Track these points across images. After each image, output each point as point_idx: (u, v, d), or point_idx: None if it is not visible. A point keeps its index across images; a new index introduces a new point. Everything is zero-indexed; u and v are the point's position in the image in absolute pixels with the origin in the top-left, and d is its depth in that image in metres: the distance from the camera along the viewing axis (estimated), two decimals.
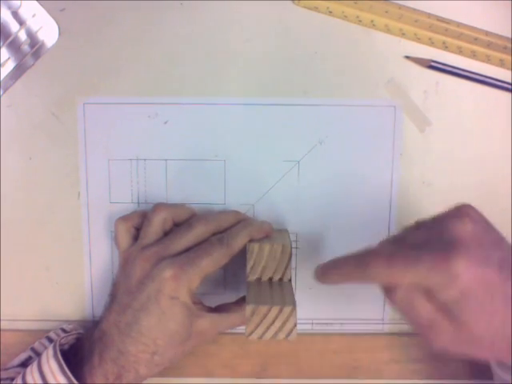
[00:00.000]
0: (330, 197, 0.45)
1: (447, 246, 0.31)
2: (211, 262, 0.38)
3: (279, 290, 0.38)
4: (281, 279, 0.40)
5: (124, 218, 0.42)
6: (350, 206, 0.45)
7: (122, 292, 0.39)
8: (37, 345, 0.43)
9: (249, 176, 0.44)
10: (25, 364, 0.42)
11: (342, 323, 0.46)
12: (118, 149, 0.44)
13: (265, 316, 0.35)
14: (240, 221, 0.42)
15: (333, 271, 0.36)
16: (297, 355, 0.46)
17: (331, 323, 0.46)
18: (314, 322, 0.46)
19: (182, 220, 0.42)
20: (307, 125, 0.44)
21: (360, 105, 0.43)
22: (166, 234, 0.41)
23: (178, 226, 0.41)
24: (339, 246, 0.45)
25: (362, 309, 0.46)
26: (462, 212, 0.33)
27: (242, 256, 0.40)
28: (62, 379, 0.36)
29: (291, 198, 0.45)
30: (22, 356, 0.43)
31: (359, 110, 0.43)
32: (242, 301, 0.41)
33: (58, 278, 0.45)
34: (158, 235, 0.41)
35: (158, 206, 0.41)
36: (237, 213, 0.43)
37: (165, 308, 0.37)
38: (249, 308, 0.35)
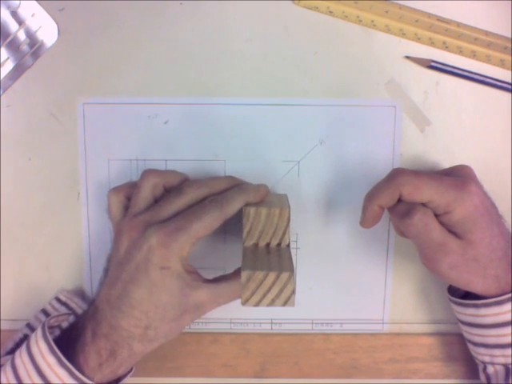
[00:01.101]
0: (330, 197, 0.45)
1: (463, 177, 0.38)
2: (202, 226, 0.36)
3: (277, 256, 0.36)
4: (279, 244, 0.38)
5: (116, 189, 0.41)
6: (350, 206, 0.45)
7: (112, 264, 0.38)
8: (33, 321, 0.43)
9: (249, 176, 0.44)
10: (19, 345, 0.41)
11: (341, 323, 0.47)
12: (118, 149, 0.44)
13: (261, 282, 0.34)
14: (234, 186, 0.40)
15: (369, 202, 0.39)
16: (297, 355, 0.46)
17: (331, 323, 0.47)
18: (314, 321, 0.46)
19: (174, 186, 0.40)
20: (307, 125, 0.44)
21: (360, 105, 0.43)
22: (157, 201, 0.39)
23: (168, 193, 0.40)
24: (339, 246, 0.45)
25: (362, 309, 0.46)
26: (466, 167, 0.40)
27: (240, 223, 0.38)
28: (51, 359, 0.35)
29: (291, 198, 0.45)
30: (17, 336, 0.42)
31: (359, 110, 0.43)
32: (239, 270, 0.39)
33: (58, 278, 0.45)
34: (148, 202, 0.39)
35: (147, 172, 0.40)
36: (231, 178, 0.42)
37: (155, 279, 0.36)
38: (244, 274, 0.33)
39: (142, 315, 0.36)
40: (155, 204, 0.39)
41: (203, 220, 0.36)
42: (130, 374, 0.41)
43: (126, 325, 0.36)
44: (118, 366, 0.38)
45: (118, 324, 0.36)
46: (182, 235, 0.36)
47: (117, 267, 0.37)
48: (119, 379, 0.40)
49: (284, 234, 0.38)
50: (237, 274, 0.39)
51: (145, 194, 0.39)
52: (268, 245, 0.38)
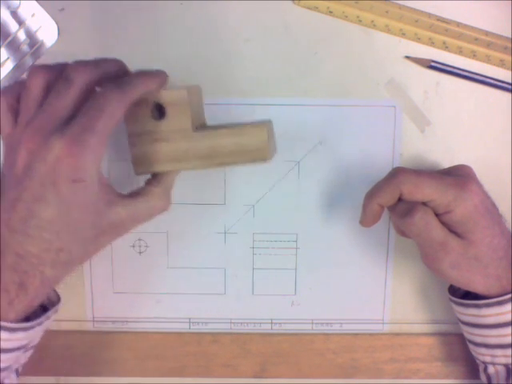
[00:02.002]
0: (330, 197, 0.45)
1: (463, 176, 0.38)
2: (108, 119, 0.32)
3: (226, 126, 0.37)
4: (202, 125, 0.39)
5: (4, 91, 0.34)
6: (350, 206, 0.45)
7: (7, 184, 0.33)
8: None
9: (249, 176, 0.44)
10: None
11: (341, 323, 0.47)
12: (118, 149, 0.44)
13: (270, 133, 0.37)
14: (124, 68, 0.36)
15: (369, 200, 0.39)
16: (297, 355, 0.46)
17: (331, 323, 0.47)
18: (314, 321, 0.47)
19: None
20: (307, 125, 0.44)
21: (360, 105, 0.43)
22: None
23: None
24: (339, 246, 0.45)
25: (362, 309, 0.46)
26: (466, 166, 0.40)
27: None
28: None
29: (291, 198, 0.45)
30: None
31: (359, 110, 0.43)
32: (154, 180, 0.37)
33: None
34: (40, 104, 0.33)
35: (35, 68, 0.33)
36: (120, 61, 0.36)
37: (65, 194, 0.31)
38: (264, 129, 0.35)
39: (53, 236, 0.32)
40: (45, 102, 0.32)
41: (107, 111, 0.31)
42: (59, 305, 0.38)
43: (36, 250, 0.32)
44: (31, 298, 0.33)
45: (26, 250, 0.32)
46: (91, 137, 0.31)
47: (15, 186, 0.32)
48: (46, 309, 0.37)
49: (203, 111, 0.40)
50: (151, 184, 0.36)
51: (35, 96, 0.33)
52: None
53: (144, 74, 0.35)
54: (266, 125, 0.36)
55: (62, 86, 0.32)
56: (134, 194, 0.36)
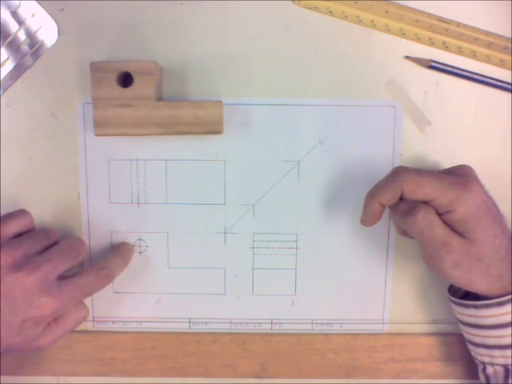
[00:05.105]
0: (329, 197, 0.45)
1: (464, 175, 0.39)
2: (91, 294, 0.40)
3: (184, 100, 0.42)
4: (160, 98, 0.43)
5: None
6: (349, 206, 0.45)
7: None
8: None
9: (249, 176, 0.44)
10: None
11: (341, 323, 0.47)
12: (118, 149, 0.44)
13: None
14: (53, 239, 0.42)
15: (370, 199, 0.39)
16: (297, 355, 0.47)
17: (331, 323, 0.47)
18: (314, 321, 0.47)
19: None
20: (307, 125, 0.44)
21: (360, 105, 0.43)
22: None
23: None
24: (339, 246, 0.45)
25: (362, 309, 0.46)
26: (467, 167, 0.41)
27: None
28: None
29: (291, 198, 0.45)
30: None
31: (359, 110, 0.43)
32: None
33: None
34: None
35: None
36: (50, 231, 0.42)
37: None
38: (221, 105, 0.40)
39: None
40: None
41: (93, 290, 0.40)
42: None
43: None
44: None
45: None
46: (71, 303, 0.39)
47: None
48: None
49: (162, 86, 0.43)
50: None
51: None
52: None
53: (126, 260, 0.44)
54: (221, 102, 0.40)
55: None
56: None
